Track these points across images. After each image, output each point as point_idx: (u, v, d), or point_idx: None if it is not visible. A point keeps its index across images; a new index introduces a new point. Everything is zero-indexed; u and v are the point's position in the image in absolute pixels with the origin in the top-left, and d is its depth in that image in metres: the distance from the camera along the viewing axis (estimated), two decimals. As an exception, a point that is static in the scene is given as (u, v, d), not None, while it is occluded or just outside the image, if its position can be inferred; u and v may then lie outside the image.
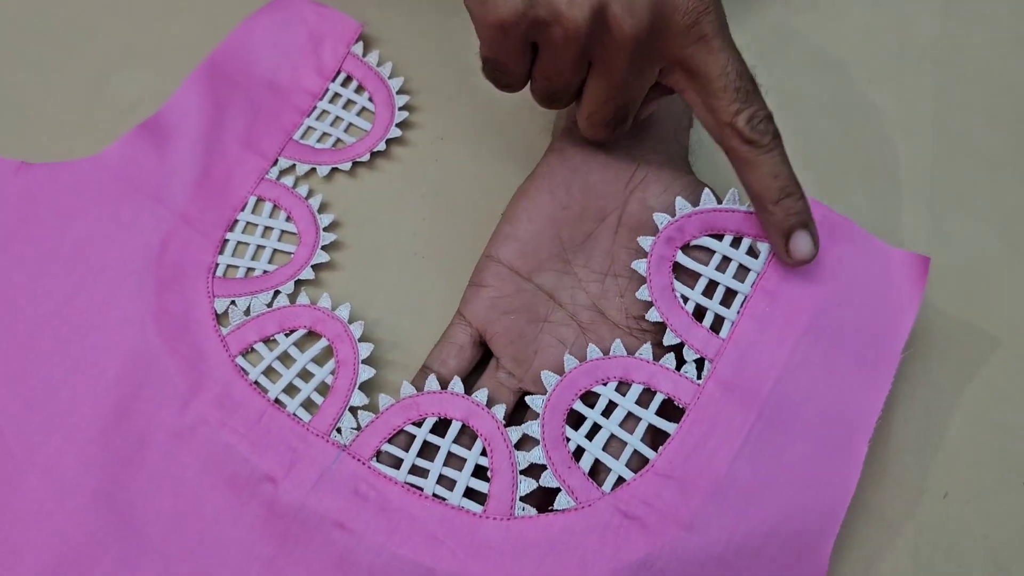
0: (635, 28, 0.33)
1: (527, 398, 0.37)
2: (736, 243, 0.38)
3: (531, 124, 0.46)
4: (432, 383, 0.38)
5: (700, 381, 0.37)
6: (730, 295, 0.38)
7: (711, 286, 0.38)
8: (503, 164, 0.46)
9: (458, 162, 0.46)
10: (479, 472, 0.37)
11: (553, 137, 0.43)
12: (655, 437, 0.37)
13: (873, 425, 0.36)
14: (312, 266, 0.42)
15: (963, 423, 0.39)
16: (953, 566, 0.37)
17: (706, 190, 0.39)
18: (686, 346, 0.37)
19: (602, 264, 0.40)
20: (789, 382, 0.36)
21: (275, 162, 0.45)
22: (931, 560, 0.37)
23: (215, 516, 0.36)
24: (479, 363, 0.40)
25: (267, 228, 0.43)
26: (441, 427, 0.37)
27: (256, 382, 0.38)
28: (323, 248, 0.42)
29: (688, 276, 0.38)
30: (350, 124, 0.46)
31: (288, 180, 0.44)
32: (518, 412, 0.39)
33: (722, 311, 0.38)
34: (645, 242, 0.38)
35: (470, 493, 0.36)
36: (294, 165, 0.45)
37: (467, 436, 0.38)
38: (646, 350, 0.38)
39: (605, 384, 0.37)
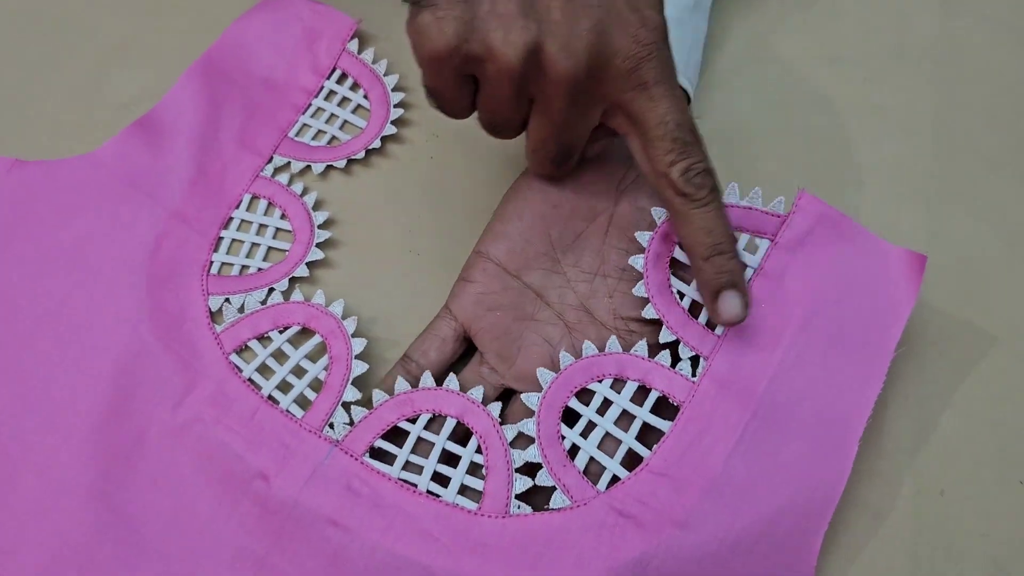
0: (570, 70, 0.32)
1: (523, 396, 0.37)
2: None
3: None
4: (427, 379, 0.38)
5: (695, 378, 0.37)
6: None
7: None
8: (497, 162, 0.45)
9: (453, 160, 0.46)
10: (473, 469, 0.37)
11: None
12: (650, 435, 0.36)
13: (864, 424, 0.36)
14: (307, 263, 0.42)
15: (960, 421, 0.39)
16: (950, 564, 0.37)
17: None
18: (681, 343, 0.37)
19: (592, 264, 0.40)
20: (784, 380, 0.36)
21: (270, 159, 0.45)
22: (928, 558, 0.37)
23: (209, 514, 0.36)
24: (463, 355, 0.40)
25: (262, 226, 0.43)
26: (435, 424, 0.37)
27: (250, 379, 0.38)
28: (318, 246, 0.42)
29: (684, 271, 0.38)
30: (345, 121, 0.46)
31: (283, 177, 0.44)
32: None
33: (718, 307, 0.37)
34: (643, 237, 0.38)
35: (464, 490, 0.36)
36: (289, 162, 0.45)
37: (462, 433, 0.37)
38: (641, 347, 0.38)
39: (600, 381, 0.37)
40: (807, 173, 0.44)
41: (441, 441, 0.37)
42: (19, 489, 0.36)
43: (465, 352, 0.40)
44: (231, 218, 0.43)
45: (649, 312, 0.37)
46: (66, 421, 0.37)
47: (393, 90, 0.46)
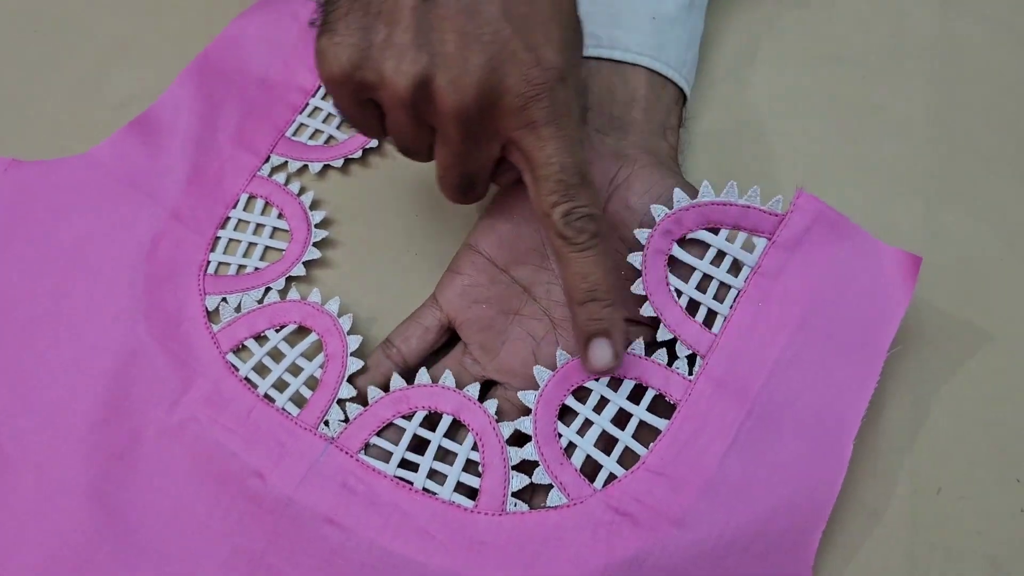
0: (459, 103, 0.32)
1: (520, 393, 0.37)
2: (732, 237, 0.38)
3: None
4: (423, 376, 0.38)
5: (692, 377, 0.37)
6: (723, 289, 0.38)
7: (705, 280, 0.38)
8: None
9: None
10: (469, 467, 0.37)
11: None
12: (647, 433, 0.36)
13: (859, 422, 0.36)
14: (304, 263, 0.42)
15: (958, 419, 0.39)
16: (947, 563, 0.37)
17: (705, 182, 0.38)
18: (678, 342, 0.37)
19: None
20: (779, 379, 0.36)
21: (267, 159, 0.45)
22: (925, 556, 0.37)
23: (206, 513, 0.36)
24: (447, 344, 0.41)
25: (259, 225, 0.43)
26: (431, 421, 0.37)
27: (246, 378, 0.38)
28: (315, 245, 0.42)
29: (682, 269, 0.38)
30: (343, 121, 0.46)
31: (280, 177, 0.44)
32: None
33: (715, 306, 0.37)
34: (641, 235, 0.38)
35: (460, 488, 0.36)
36: (286, 162, 0.45)
37: (458, 430, 0.37)
38: (638, 345, 0.38)
39: (597, 379, 0.37)
40: (805, 172, 0.44)
41: (437, 438, 0.37)
42: (17, 489, 0.36)
43: (449, 341, 0.41)
44: (228, 217, 0.43)
45: (647, 310, 0.37)
46: (64, 421, 0.37)
47: (391, 89, 0.46)
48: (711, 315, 0.38)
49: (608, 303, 0.35)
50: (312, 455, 0.36)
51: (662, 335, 0.37)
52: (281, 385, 0.38)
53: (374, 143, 0.45)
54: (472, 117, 0.32)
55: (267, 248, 0.43)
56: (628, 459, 0.36)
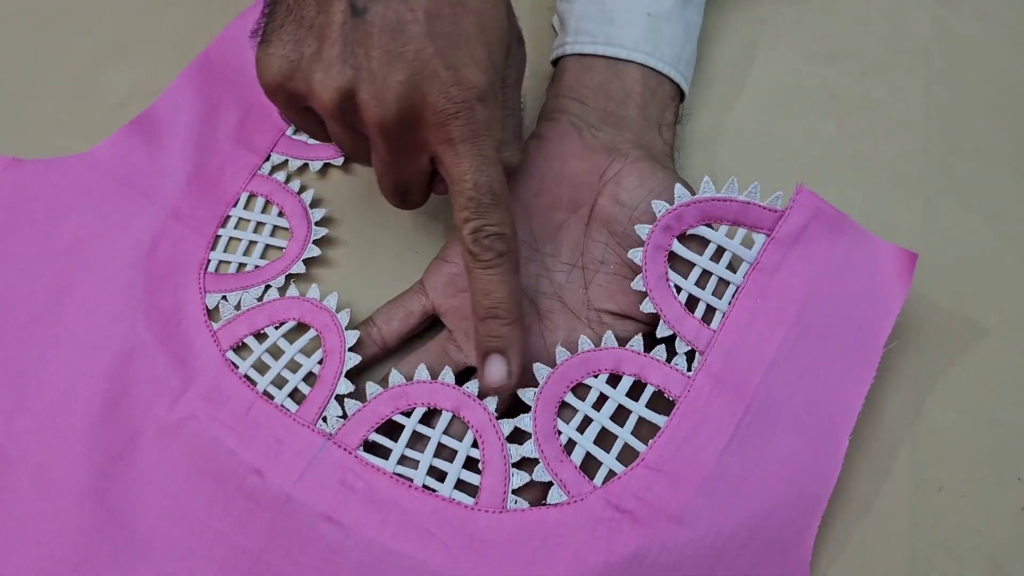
0: (380, 117, 0.33)
1: (519, 392, 0.37)
2: (731, 233, 0.38)
3: (526, 121, 0.46)
4: (422, 372, 0.38)
5: (691, 373, 0.36)
6: (722, 285, 0.38)
7: (704, 276, 0.38)
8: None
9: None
10: (469, 464, 0.37)
11: (537, 124, 0.43)
12: (646, 429, 0.36)
13: (855, 417, 0.36)
14: (304, 261, 0.42)
15: (958, 417, 0.39)
16: (947, 560, 0.37)
17: (705, 178, 0.38)
18: (678, 338, 0.37)
19: (571, 255, 0.40)
20: (777, 374, 0.36)
21: (268, 157, 0.45)
22: (926, 554, 0.37)
23: (204, 511, 0.36)
24: (431, 327, 0.41)
25: (259, 223, 0.43)
26: (430, 417, 0.37)
27: (246, 375, 0.38)
28: (315, 243, 0.42)
29: (681, 265, 0.38)
30: (343, 119, 0.46)
31: (280, 175, 0.44)
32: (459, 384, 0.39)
33: (714, 302, 0.38)
34: (642, 230, 0.38)
35: (460, 485, 0.36)
36: (287, 160, 0.45)
37: (457, 427, 0.37)
38: (637, 342, 0.37)
39: (596, 376, 0.37)
40: (804, 170, 0.44)
41: (437, 435, 0.37)
42: (17, 488, 0.36)
43: (433, 325, 0.41)
44: (228, 216, 0.43)
45: (647, 307, 0.37)
46: (63, 420, 0.37)
47: (391, 88, 0.46)
48: (710, 311, 0.38)
49: (507, 321, 0.35)
50: (310, 452, 0.36)
51: (661, 331, 0.37)
52: (280, 382, 0.39)
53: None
54: (394, 130, 0.33)
55: (267, 246, 0.43)
56: (628, 456, 0.36)
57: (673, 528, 0.34)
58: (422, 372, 0.38)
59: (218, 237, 0.42)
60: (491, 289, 0.35)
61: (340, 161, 0.45)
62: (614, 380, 0.37)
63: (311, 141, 0.45)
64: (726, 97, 0.47)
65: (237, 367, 0.38)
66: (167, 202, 0.42)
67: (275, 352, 0.39)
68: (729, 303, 0.37)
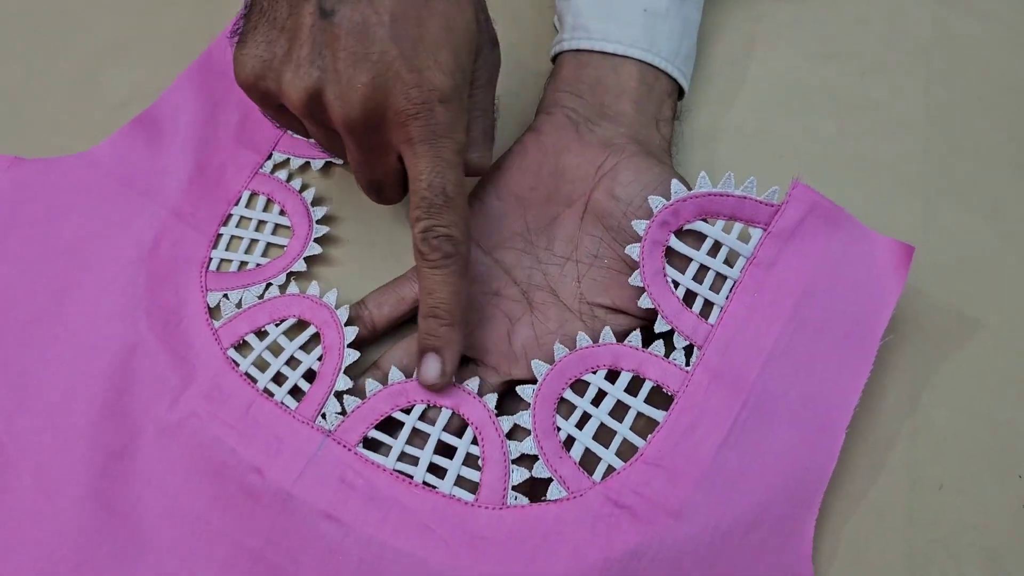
0: (345, 116, 0.34)
1: (517, 388, 0.37)
2: (728, 228, 0.38)
3: (525, 117, 0.46)
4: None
5: (689, 368, 0.36)
6: (720, 279, 0.38)
7: (701, 270, 0.38)
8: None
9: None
10: (468, 461, 0.37)
11: (535, 118, 0.43)
12: (645, 425, 0.36)
13: (852, 410, 0.36)
14: (305, 259, 0.42)
15: (957, 415, 0.39)
16: (946, 557, 0.37)
17: (702, 174, 0.38)
18: (676, 333, 0.37)
19: (565, 249, 0.40)
20: (774, 368, 0.36)
21: (269, 156, 0.45)
22: (925, 551, 0.37)
23: (205, 509, 0.36)
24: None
25: (261, 222, 0.43)
26: (430, 414, 0.37)
27: (246, 373, 0.38)
28: (316, 240, 0.42)
29: (679, 260, 0.38)
30: (344, 118, 0.46)
31: (282, 174, 0.44)
32: None
33: (712, 296, 0.38)
34: (639, 226, 0.38)
35: (459, 482, 0.36)
36: (288, 159, 0.45)
37: (456, 423, 0.37)
38: (635, 337, 0.37)
39: (595, 372, 0.37)
40: (803, 169, 0.44)
41: (437, 432, 0.37)
42: (17, 488, 0.37)
43: None
44: (230, 215, 0.43)
45: (645, 302, 0.37)
46: (64, 419, 0.37)
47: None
48: (707, 306, 0.38)
49: (446, 322, 0.36)
50: (310, 449, 0.36)
51: (659, 326, 0.37)
52: (280, 379, 0.39)
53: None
54: (359, 129, 0.34)
55: (269, 245, 0.43)
56: (627, 451, 0.36)
57: (672, 524, 0.34)
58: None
59: (220, 236, 0.43)
60: (434, 289, 0.36)
61: (341, 160, 0.45)
62: (612, 376, 0.37)
63: (312, 140, 0.45)
64: (726, 95, 0.47)
65: (238, 365, 0.39)
66: (168, 201, 0.42)
67: (275, 349, 0.39)
68: (727, 298, 0.37)
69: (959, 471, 0.38)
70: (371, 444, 0.37)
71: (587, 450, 0.36)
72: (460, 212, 0.35)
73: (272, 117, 0.38)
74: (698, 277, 0.38)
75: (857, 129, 0.46)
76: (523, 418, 0.37)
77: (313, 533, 0.35)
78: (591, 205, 0.40)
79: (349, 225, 0.44)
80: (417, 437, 0.37)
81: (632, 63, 0.42)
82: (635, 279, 0.38)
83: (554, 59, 0.45)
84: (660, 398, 0.37)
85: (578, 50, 0.43)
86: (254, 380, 0.38)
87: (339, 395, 0.38)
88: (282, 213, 0.43)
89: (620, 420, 0.37)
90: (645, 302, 0.37)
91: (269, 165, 0.45)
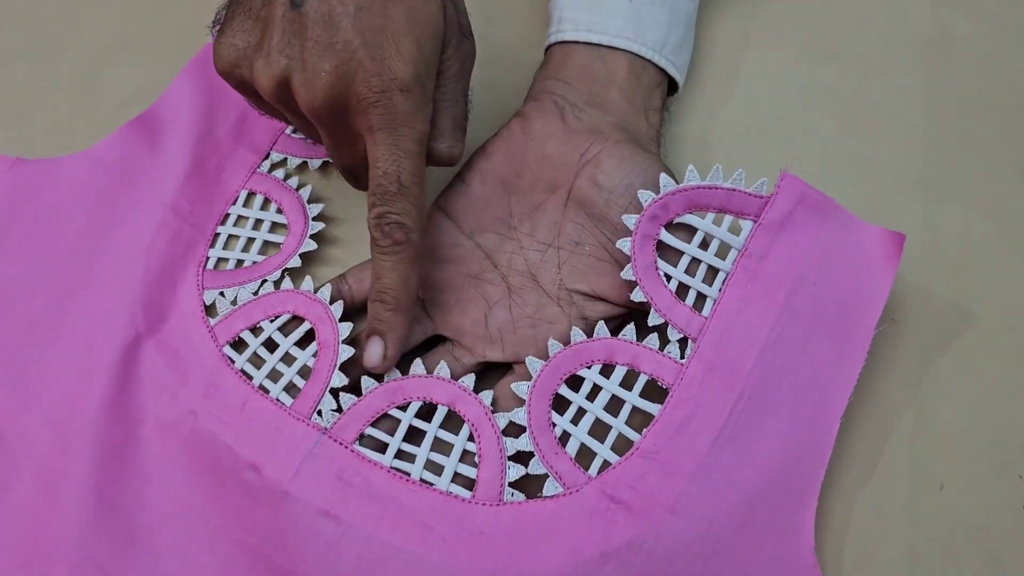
0: (311, 103, 0.35)
1: (512, 385, 0.37)
2: (719, 220, 0.38)
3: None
4: (417, 367, 0.38)
5: (683, 361, 0.36)
6: (712, 272, 0.38)
7: (693, 263, 0.38)
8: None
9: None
10: (465, 457, 0.37)
11: (523, 104, 0.43)
12: (640, 419, 0.36)
13: (847, 400, 0.36)
14: (302, 256, 0.42)
15: (959, 414, 0.39)
16: (948, 558, 0.36)
17: (690, 167, 0.38)
18: (670, 326, 0.37)
19: (547, 235, 0.40)
20: (768, 359, 0.36)
21: (267, 155, 0.45)
22: (926, 551, 0.36)
23: (204, 506, 0.36)
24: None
25: (258, 220, 0.44)
26: (426, 411, 0.37)
27: (242, 370, 0.39)
28: (313, 237, 0.42)
29: (670, 253, 0.38)
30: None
31: (279, 173, 0.44)
32: (424, 347, 0.41)
33: (704, 289, 0.37)
34: (629, 220, 0.38)
35: (456, 479, 0.36)
36: (286, 159, 0.45)
37: (452, 421, 0.37)
38: (629, 331, 0.37)
39: (589, 367, 0.37)
40: (803, 168, 0.44)
41: (433, 429, 0.37)
42: (18, 485, 0.37)
43: None
44: (228, 214, 0.43)
45: (638, 296, 0.37)
46: (65, 417, 0.37)
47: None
48: (700, 298, 0.38)
49: (391, 308, 0.37)
50: (306, 446, 0.36)
51: (653, 320, 0.37)
52: (275, 376, 0.39)
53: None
54: (324, 116, 0.35)
55: (266, 243, 0.43)
56: (622, 446, 0.36)
57: (668, 517, 0.34)
58: (417, 367, 0.38)
59: (217, 235, 0.43)
60: (383, 274, 0.37)
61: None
62: (607, 370, 0.37)
63: (310, 140, 0.46)
64: (725, 95, 0.47)
65: (233, 362, 0.39)
66: (167, 199, 0.42)
67: (270, 346, 0.40)
68: (719, 290, 0.37)
69: (960, 471, 0.38)
70: (367, 441, 0.37)
71: (583, 445, 0.36)
72: (414, 200, 0.36)
73: (253, 105, 0.39)
74: (690, 270, 0.38)
75: (857, 129, 0.46)
76: (518, 415, 0.37)
77: (311, 530, 0.35)
78: (574, 192, 0.40)
79: (346, 225, 0.44)
80: (414, 434, 0.37)
81: (620, 54, 0.42)
82: (627, 273, 0.38)
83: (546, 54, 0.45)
84: (655, 392, 0.37)
85: (565, 41, 0.43)
86: (249, 377, 0.38)
87: (334, 392, 0.38)
88: (279, 211, 0.44)
89: (615, 415, 0.36)
90: (638, 296, 0.37)
91: (267, 164, 0.45)
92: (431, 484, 0.36)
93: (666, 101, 0.44)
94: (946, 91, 0.47)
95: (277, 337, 0.39)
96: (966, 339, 0.40)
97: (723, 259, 0.38)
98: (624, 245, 0.38)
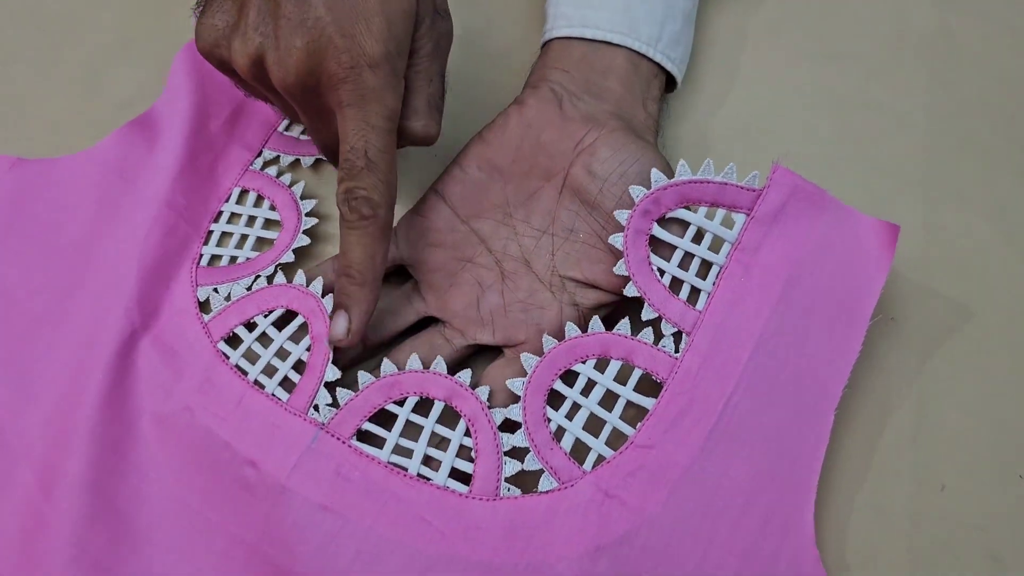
0: (283, 80, 0.35)
1: (508, 382, 0.37)
2: (711, 215, 0.38)
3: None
4: (414, 362, 0.38)
5: (678, 355, 0.37)
6: (705, 266, 0.38)
7: (687, 258, 0.38)
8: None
9: (442, 152, 0.46)
10: (461, 452, 0.37)
11: (521, 91, 0.43)
12: (634, 413, 0.37)
13: (841, 390, 0.36)
14: (295, 251, 0.42)
15: (961, 415, 0.39)
16: (950, 558, 0.36)
17: (681, 161, 0.39)
18: (664, 320, 0.37)
19: (542, 222, 0.40)
20: (764, 352, 0.36)
21: (259, 153, 0.45)
22: (928, 552, 0.36)
23: (201, 502, 0.36)
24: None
25: (251, 217, 0.44)
26: (423, 406, 0.38)
27: (237, 365, 0.39)
28: (306, 233, 0.42)
29: (664, 248, 0.38)
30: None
31: (272, 171, 0.45)
32: (418, 326, 0.41)
33: (698, 283, 0.38)
34: (621, 215, 0.38)
35: (453, 473, 0.36)
36: (279, 156, 0.45)
37: (448, 416, 0.38)
38: (624, 325, 0.38)
39: (584, 362, 0.37)
40: (803, 168, 0.44)
41: (430, 424, 0.37)
42: (19, 483, 0.37)
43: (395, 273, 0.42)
44: (221, 211, 0.43)
45: (631, 291, 0.38)
46: (65, 414, 0.37)
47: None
48: (694, 292, 0.38)
49: (357, 282, 0.37)
50: (303, 441, 0.36)
51: (647, 314, 0.37)
52: (270, 371, 0.39)
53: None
54: (297, 93, 0.36)
55: (259, 239, 0.43)
56: (617, 440, 0.36)
57: (662, 511, 0.34)
58: (414, 362, 0.38)
59: (210, 232, 0.43)
60: (348, 249, 0.37)
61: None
62: (602, 365, 0.37)
63: (302, 137, 0.46)
64: (724, 97, 0.47)
65: (228, 357, 0.39)
66: (162, 196, 0.42)
67: (264, 340, 0.40)
68: (713, 284, 0.37)
69: (962, 472, 0.38)
70: (364, 436, 0.37)
71: (577, 440, 0.36)
72: (382, 176, 0.36)
73: (237, 85, 0.39)
74: (683, 264, 0.38)
75: (857, 129, 0.46)
76: (513, 411, 0.37)
77: (309, 525, 0.35)
78: (569, 180, 0.40)
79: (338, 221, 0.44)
80: (410, 429, 0.37)
81: (615, 48, 0.42)
82: (620, 268, 0.38)
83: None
84: (650, 386, 0.37)
85: (559, 37, 0.43)
86: (245, 372, 0.38)
87: (330, 386, 0.38)
88: (272, 208, 0.44)
89: (610, 409, 0.37)
90: (631, 290, 0.37)
91: (259, 162, 0.45)
92: (428, 479, 0.36)
93: (665, 96, 0.44)
94: (946, 91, 0.47)
95: (271, 332, 0.39)
96: (966, 339, 0.41)
97: (716, 253, 0.38)
98: (616, 241, 0.38)
